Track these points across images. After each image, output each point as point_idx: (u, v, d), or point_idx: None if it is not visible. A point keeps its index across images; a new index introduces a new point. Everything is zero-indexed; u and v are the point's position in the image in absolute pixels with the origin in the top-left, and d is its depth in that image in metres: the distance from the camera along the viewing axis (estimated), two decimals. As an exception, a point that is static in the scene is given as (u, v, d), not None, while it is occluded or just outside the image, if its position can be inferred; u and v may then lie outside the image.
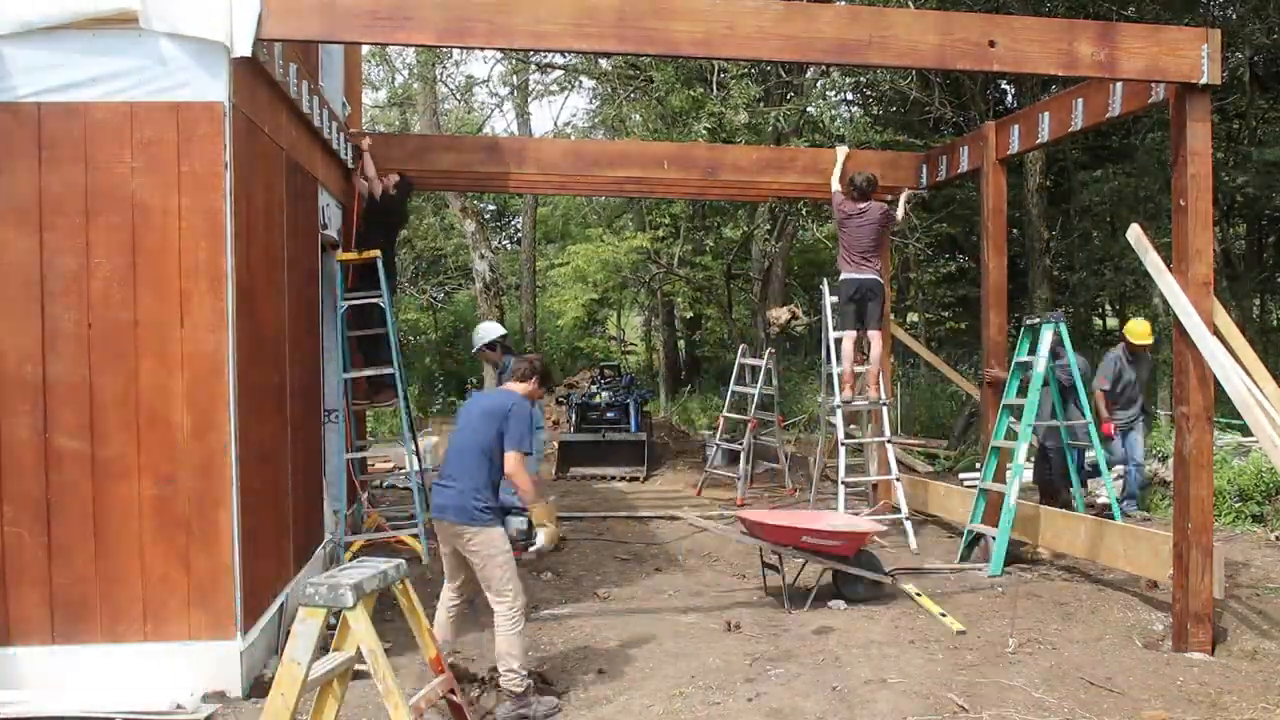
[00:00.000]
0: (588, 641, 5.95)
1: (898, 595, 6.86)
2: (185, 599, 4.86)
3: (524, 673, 4.77)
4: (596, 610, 6.68)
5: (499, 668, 4.81)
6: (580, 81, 18.10)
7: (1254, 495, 8.88)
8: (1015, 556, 7.70)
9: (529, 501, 5.11)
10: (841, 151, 9.26)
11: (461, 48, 15.76)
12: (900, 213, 9.39)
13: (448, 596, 5.16)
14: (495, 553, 4.84)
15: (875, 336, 8.94)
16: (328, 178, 7.61)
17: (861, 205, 8.80)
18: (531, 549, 5.21)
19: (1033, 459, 8.60)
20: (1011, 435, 7.85)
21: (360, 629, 3.59)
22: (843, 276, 8.96)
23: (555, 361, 25.16)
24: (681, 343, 25.01)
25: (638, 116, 16.14)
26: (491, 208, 26.43)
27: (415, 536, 8.04)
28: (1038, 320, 7.81)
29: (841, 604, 6.63)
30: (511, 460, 4.89)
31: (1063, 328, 7.76)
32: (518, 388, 5.22)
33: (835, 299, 9.36)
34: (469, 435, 5.02)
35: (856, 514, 8.64)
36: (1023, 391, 7.75)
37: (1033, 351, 7.73)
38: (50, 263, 4.79)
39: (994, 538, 7.48)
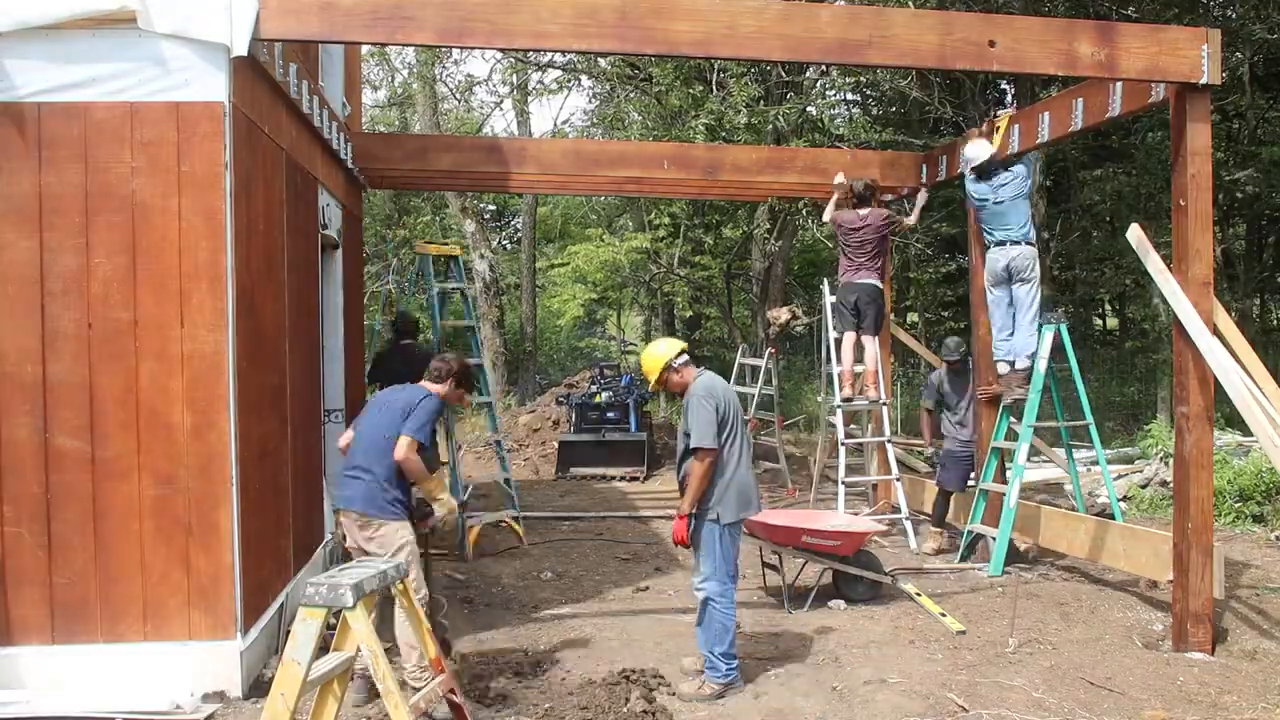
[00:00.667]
0: (588, 642, 5.95)
1: (898, 595, 6.86)
2: (185, 599, 4.85)
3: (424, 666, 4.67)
4: (596, 610, 6.68)
5: (403, 660, 4.75)
6: (580, 81, 18.10)
7: (1254, 495, 8.88)
8: (1013, 556, 7.72)
9: (419, 479, 4.96)
10: (839, 185, 9.04)
11: (461, 48, 15.77)
12: (913, 219, 9.37)
13: None
14: (401, 545, 4.83)
15: (870, 341, 8.96)
16: (328, 178, 7.60)
17: (863, 212, 8.79)
18: (431, 520, 5.12)
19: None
20: (1012, 435, 7.85)
21: (360, 629, 3.59)
22: (842, 281, 8.99)
23: (555, 361, 25.17)
24: (681, 343, 24.97)
25: (636, 115, 16.14)
26: (491, 208, 26.42)
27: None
28: (1039, 322, 7.81)
29: (841, 604, 6.63)
30: (402, 444, 4.81)
31: (1063, 329, 7.75)
32: (432, 388, 5.15)
33: (835, 299, 9.37)
34: (378, 424, 4.98)
35: (856, 514, 8.64)
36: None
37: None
38: (50, 263, 4.79)
39: (994, 538, 7.48)
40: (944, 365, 8.67)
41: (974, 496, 7.94)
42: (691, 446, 5.01)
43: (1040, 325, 7.69)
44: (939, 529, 8.42)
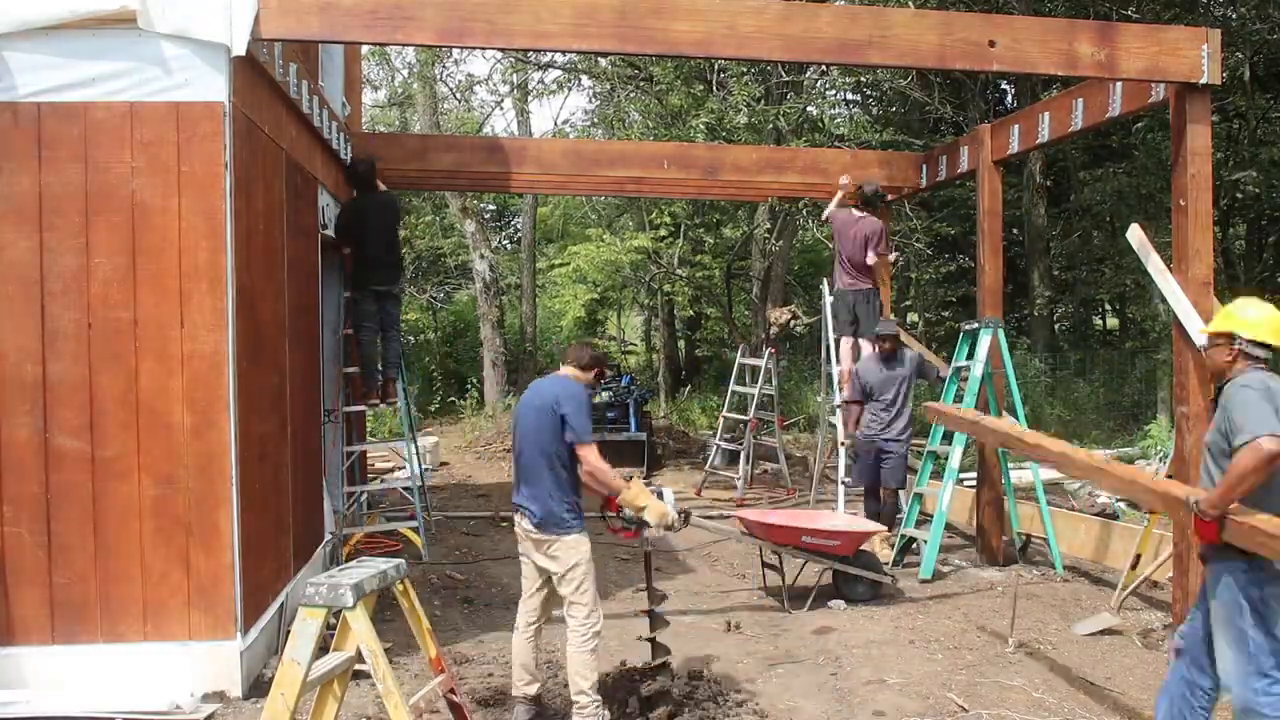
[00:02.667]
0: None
1: (897, 595, 6.86)
2: (185, 599, 4.85)
3: (596, 697, 4.50)
4: (596, 610, 6.67)
5: (570, 688, 4.57)
6: (580, 80, 18.09)
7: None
8: (1010, 557, 7.73)
9: (614, 493, 4.70)
10: (843, 186, 9.07)
11: (461, 48, 15.77)
12: (892, 256, 9.48)
13: (524, 614, 4.83)
14: (578, 560, 4.57)
15: (865, 345, 8.99)
16: (328, 177, 7.61)
17: (857, 214, 8.81)
18: (646, 533, 4.84)
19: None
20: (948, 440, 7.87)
21: (360, 629, 3.59)
22: (837, 287, 9.04)
23: (556, 362, 25.15)
24: (681, 343, 24.98)
25: (637, 115, 16.13)
26: (491, 208, 26.39)
27: (415, 530, 8.10)
28: (976, 325, 7.83)
29: (841, 604, 6.63)
30: (589, 456, 4.53)
31: (1001, 332, 7.75)
32: (575, 374, 4.78)
33: (833, 303, 9.38)
34: (530, 442, 4.63)
35: (856, 514, 8.63)
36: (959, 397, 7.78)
37: (970, 356, 7.77)
38: (50, 263, 4.79)
39: (925, 541, 7.47)
40: (875, 348, 8.36)
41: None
42: None
43: (979, 328, 7.73)
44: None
